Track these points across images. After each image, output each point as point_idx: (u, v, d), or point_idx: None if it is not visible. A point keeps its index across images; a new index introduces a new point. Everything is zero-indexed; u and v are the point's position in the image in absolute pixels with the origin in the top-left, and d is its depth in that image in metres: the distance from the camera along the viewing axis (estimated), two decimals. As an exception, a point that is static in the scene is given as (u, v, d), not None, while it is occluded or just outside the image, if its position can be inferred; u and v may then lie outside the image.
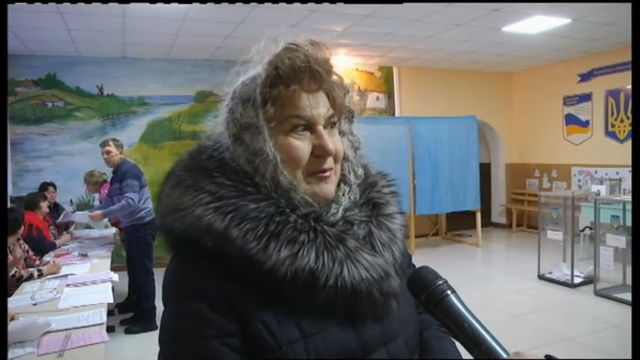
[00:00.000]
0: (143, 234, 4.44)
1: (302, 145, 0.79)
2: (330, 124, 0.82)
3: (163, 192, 0.82)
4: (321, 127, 0.80)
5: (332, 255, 0.75)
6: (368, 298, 0.76)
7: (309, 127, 0.79)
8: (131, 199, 4.29)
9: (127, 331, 4.34)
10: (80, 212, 5.21)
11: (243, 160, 0.78)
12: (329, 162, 0.81)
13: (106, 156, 4.52)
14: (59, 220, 5.37)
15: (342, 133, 0.88)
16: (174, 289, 0.78)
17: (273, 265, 0.72)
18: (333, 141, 0.81)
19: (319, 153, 0.80)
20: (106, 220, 4.94)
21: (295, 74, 0.77)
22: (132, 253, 4.63)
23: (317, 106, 0.79)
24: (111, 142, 4.54)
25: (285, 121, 0.78)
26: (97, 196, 5.81)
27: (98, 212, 4.61)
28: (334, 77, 0.83)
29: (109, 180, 5.36)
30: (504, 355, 0.66)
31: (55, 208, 5.77)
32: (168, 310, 0.78)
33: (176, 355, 0.73)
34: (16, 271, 3.50)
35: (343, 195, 0.86)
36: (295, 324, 0.73)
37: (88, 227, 5.76)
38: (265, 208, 0.75)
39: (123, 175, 4.42)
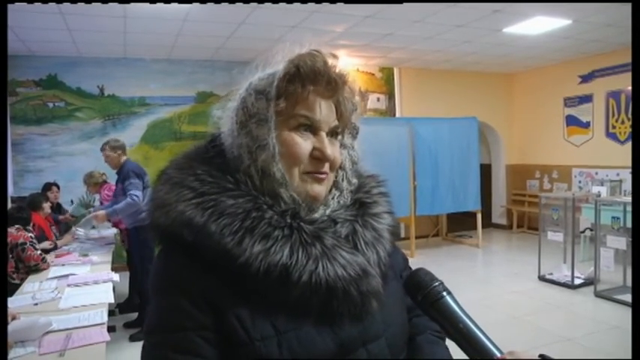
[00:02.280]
0: (145, 236, 4.28)
1: (304, 143, 0.81)
2: (333, 133, 0.85)
3: (155, 188, 0.85)
4: (323, 133, 0.83)
5: (307, 252, 0.76)
6: (345, 296, 0.77)
7: (313, 129, 0.82)
8: (135, 196, 4.20)
9: (132, 339, 4.21)
10: (84, 219, 4.97)
11: (244, 146, 0.81)
12: (325, 167, 0.83)
13: (105, 159, 4.53)
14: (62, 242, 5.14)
15: (343, 146, 0.91)
16: (159, 282, 0.80)
17: (246, 259, 0.73)
18: (333, 149, 0.84)
19: (318, 156, 0.82)
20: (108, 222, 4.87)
21: (314, 76, 0.81)
22: (134, 255, 4.57)
23: (326, 112, 0.83)
24: (107, 147, 4.51)
25: (293, 118, 0.81)
26: (97, 197, 5.82)
27: (102, 212, 4.51)
28: (347, 92, 0.86)
29: (109, 181, 5.37)
30: (498, 355, 0.67)
31: (58, 208, 5.78)
32: (152, 303, 0.80)
33: (156, 346, 0.76)
34: (40, 252, 3.91)
35: (333, 199, 0.88)
36: (269, 320, 0.74)
37: (93, 228, 5.70)
38: (243, 205, 0.77)
39: (126, 174, 4.37)
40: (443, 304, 0.73)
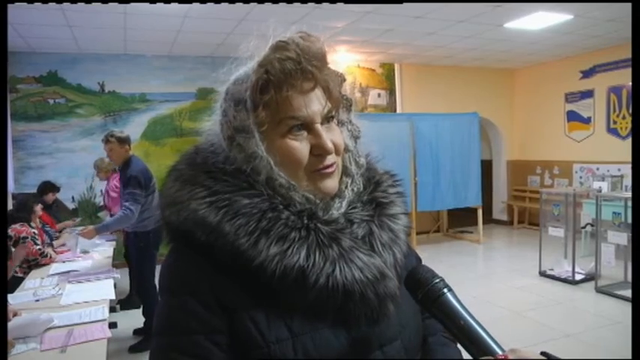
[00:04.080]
0: (145, 243, 4.01)
1: (300, 145, 0.77)
2: (327, 118, 0.80)
3: (165, 185, 0.82)
4: (318, 125, 0.78)
5: (324, 254, 0.74)
6: (361, 299, 0.75)
7: (306, 126, 0.78)
8: (129, 210, 3.80)
9: (132, 349, 3.98)
10: (70, 233, 4.73)
11: (240, 162, 0.77)
12: (330, 158, 0.79)
13: (108, 153, 4.05)
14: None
15: (340, 122, 0.86)
16: (169, 282, 0.78)
17: (262, 261, 0.71)
18: (332, 136, 0.80)
19: (318, 152, 0.78)
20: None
21: (286, 78, 0.75)
22: (132, 260, 4.39)
23: (312, 104, 0.77)
24: (113, 138, 3.94)
25: (281, 124, 0.77)
26: (100, 189, 5.76)
27: (90, 228, 4.08)
28: (328, 69, 0.80)
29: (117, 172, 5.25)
30: (500, 352, 0.67)
31: (50, 208, 5.72)
32: (162, 303, 0.78)
33: (164, 347, 0.74)
34: (39, 247, 4.00)
35: (346, 187, 0.85)
36: (285, 323, 0.73)
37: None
38: (258, 204, 0.74)
39: (128, 179, 3.90)
40: (443, 302, 0.72)
